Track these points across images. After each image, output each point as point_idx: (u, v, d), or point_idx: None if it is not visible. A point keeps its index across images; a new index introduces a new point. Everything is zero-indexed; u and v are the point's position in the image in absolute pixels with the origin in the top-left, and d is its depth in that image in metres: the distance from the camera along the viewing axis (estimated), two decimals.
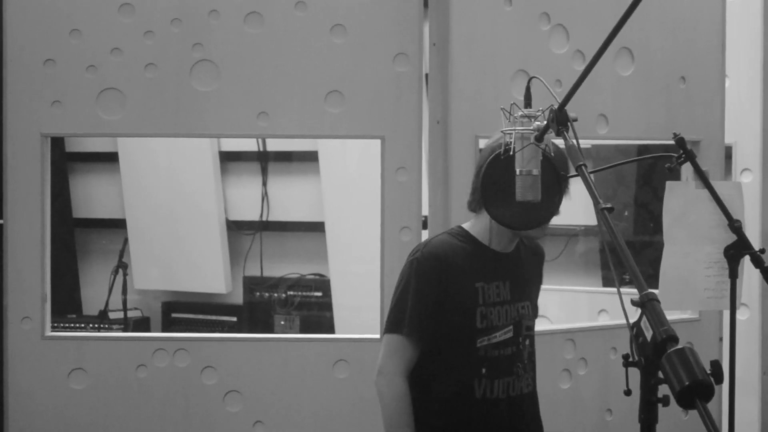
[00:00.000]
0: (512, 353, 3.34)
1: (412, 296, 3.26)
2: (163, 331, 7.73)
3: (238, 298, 7.83)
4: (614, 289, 2.49)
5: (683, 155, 3.94)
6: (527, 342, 3.40)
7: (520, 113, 2.95)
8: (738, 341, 4.13)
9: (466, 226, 3.40)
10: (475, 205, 3.36)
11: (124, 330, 7.42)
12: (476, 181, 3.29)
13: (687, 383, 2.05)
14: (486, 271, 3.32)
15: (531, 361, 3.43)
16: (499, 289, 3.33)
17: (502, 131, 3.01)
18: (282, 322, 7.55)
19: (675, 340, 2.15)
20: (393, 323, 3.30)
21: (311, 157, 7.60)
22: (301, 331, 7.44)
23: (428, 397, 3.32)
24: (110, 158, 8.05)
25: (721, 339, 5.02)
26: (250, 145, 7.87)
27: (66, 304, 7.76)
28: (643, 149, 6.75)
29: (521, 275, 3.42)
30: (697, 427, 2.20)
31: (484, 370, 3.28)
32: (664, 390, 2.20)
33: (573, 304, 6.68)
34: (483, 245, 3.34)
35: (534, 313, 3.50)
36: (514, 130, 2.94)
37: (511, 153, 2.91)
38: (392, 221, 4.46)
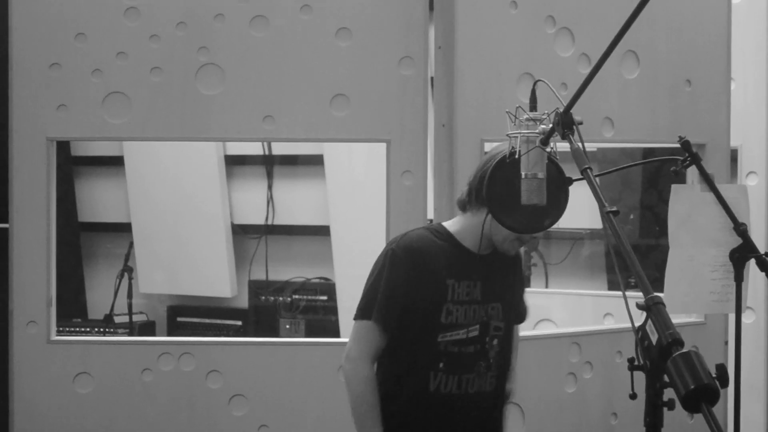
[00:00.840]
0: (475, 351, 3.38)
1: (384, 285, 3.32)
2: (169, 335, 7.74)
3: (244, 302, 7.83)
4: (620, 293, 2.48)
5: (689, 158, 3.93)
6: (494, 342, 3.43)
7: (525, 116, 2.95)
8: (743, 345, 4.12)
9: (446, 224, 3.47)
10: (464, 205, 3.42)
11: (130, 334, 7.42)
12: (473, 182, 3.36)
13: (692, 387, 2.05)
14: (458, 269, 3.37)
15: (498, 360, 3.46)
16: (469, 288, 3.37)
17: (507, 134, 3.01)
18: (287, 326, 7.55)
19: (680, 343, 2.14)
20: (362, 309, 3.36)
21: (317, 161, 7.61)
22: (307, 335, 7.45)
23: (392, 393, 3.39)
24: (116, 162, 8.07)
25: (726, 342, 5.01)
26: (255, 148, 7.87)
27: (71, 308, 7.76)
28: (648, 152, 6.75)
29: (494, 277, 3.45)
30: (702, 431, 2.20)
31: (441, 365, 3.34)
32: (669, 393, 2.20)
33: (578, 308, 6.68)
34: (460, 244, 3.39)
35: (516, 316, 3.55)
36: (520, 133, 2.94)
37: (517, 156, 2.91)
38: (397, 224, 4.45)
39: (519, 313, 3.60)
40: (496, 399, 3.50)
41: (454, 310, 3.34)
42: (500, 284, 3.48)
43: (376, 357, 3.36)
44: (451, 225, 3.45)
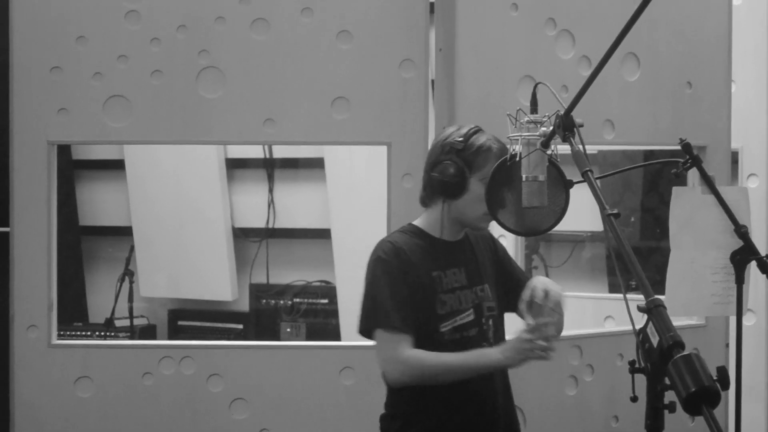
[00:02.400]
0: (477, 334, 3.44)
1: (388, 292, 3.34)
2: (170, 338, 7.73)
3: (245, 306, 7.83)
4: (620, 295, 2.49)
5: (689, 160, 3.93)
6: (490, 322, 3.49)
7: (526, 119, 2.95)
8: (744, 347, 4.12)
9: (415, 222, 3.53)
10: (424, 201, 3.50)
11: (131, 338, 7.42)
12: (426, 177, 3.45)
13: (693, 389, 2.05)
14: (440, 260, 3.43)
15: (497, 339, 3.51)
16: (456, 275, 3.44)
17: (508, 137, 3.02)
18: (288, 330, 7.55)
19: (681, 346, 2.15)
20: (377, 321, 3.37)
21: (317, 164, 7.61)
22: (308, 338, 7.44)
23: (408, 394, 3.41)
24: (117, 165, 8.06)
25: (727, 345, 5.00)
26: (256, 151, 7.87)
27: (72, 312, 7.76)
28: (649, 155, 6.73)
29: (474, 260, 3.52)
30: None
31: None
32: (670, 396, 2.20)
33: (579, 311, 6.66)
34: (433, 237, 3.45)
35: (517, 283, 3.54)
36: (521, 135, 2.95)
37: (518, 159, 2.92)
38: (398, 227, 4.45)
39: (520, 280, 3.58)
40: (504, 374, 3.55)
41: (447, 299, 3.40)
42: (482, 266, 3.54)
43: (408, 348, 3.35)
44: (419, 222, 3.51)
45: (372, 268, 3.41)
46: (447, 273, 3.42)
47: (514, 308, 3.52)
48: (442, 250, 3.44)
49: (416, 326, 3.36)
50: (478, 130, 3.43)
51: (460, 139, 3.39)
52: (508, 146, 3.20)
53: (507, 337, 3.48)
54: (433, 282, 3.39)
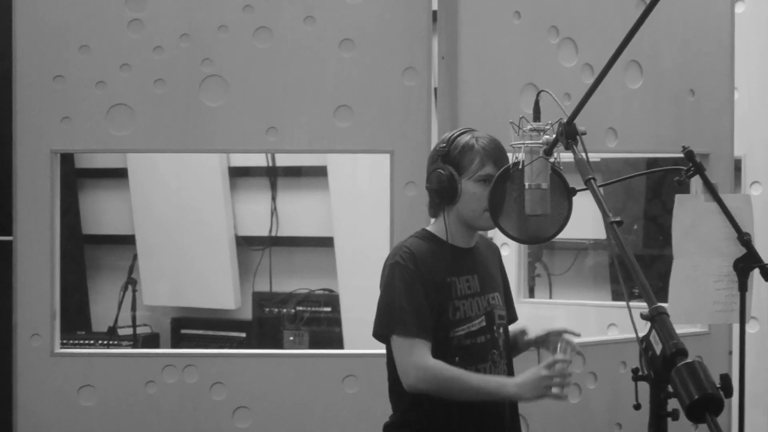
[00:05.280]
0: (486, 341, 3.43)
1: (406, 298, 3.32)
2: (173, 347, 7.73)
3: (248, 314, 7.83)
4: (623, 303, 2.49)
5: (692, 168, 3.93)
6: (501, 330, 3.50)
7: (529, 127, 2.96)
8: (747, 355, 4.12)
9: (429, 228, 3.51)
10: (432, 211, 3.50)
11: (134, 346, 7.42)
12: (428, 185, 3.44)
13: (696, 397, 2.05)
14: (454, 266, 3.41)
15: (506, 348, 3.52)
16: (469, 282, 3.43)
17: (511, 145, 3.02)
18: (291, 338, 7.55)
19: (684, 353, 2.14)
20: (393, 327, 3.35)
21: (320, 172, 7.61)
22: (311, 347, 7.44)
23: (417, 399, 3.37)
24: (119, 174, 8.07)
25: (730, 352, 5.00)
26: (259, 160, 7.88)
27: (75, 321, 7.76)
28: (652, 162, 6.74)
29: (486, 269, 3.53)
30: None
31: (457, 359, 3.35)
32: (673, 404, 2.20)
33: (582, 318, 6.67)
34: (447, 243, 3.43)
35: (507, 309, 3.58)
36: (524, 143, 2.95)
37: (521, 167, 2.92)
38: (401, 235, 4.42)
39: (510, 313, 3.64)
40: None
41: (461, 305, 3.38)
42: (492, 276, 3.55)
43: (428, 354, 3.33)
44: (432, 228, 3.50)
45: (389, 273, 3.39)
46: (461, 279, 3.41)
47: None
48: (456, 256, 3.43)
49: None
50: (463, 132, 3.42)
51: (443, 144, 3.40)
52: (497, 140, 3.28)
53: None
54: (448, 288, 3.38)
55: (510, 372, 3.53)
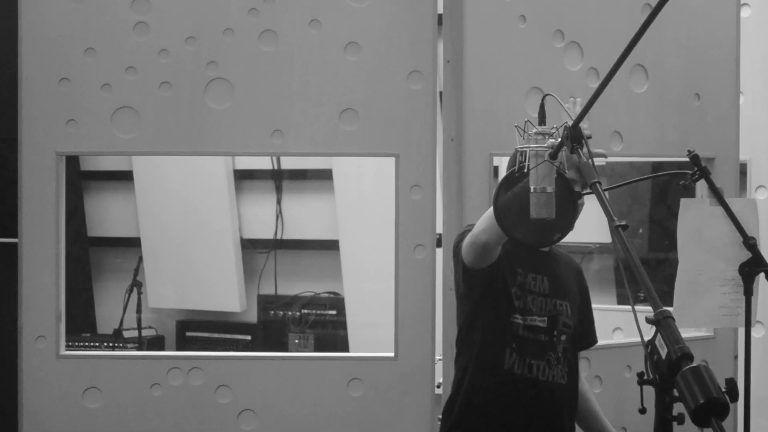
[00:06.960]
0: (545, 341, 3.51)
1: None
2: (178, 349, 7.74)
3: (253, 317, 7.84)
4: (629, 307, 2.49)
5: (698, 172, 3.92)
6: (563, 337, 3.55)
7: (534, 131, 2.95)
8: (753, 359, 4.11)
9: None
10: None
11: (139, 349, 7.43)
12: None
13: (702, 401, 2.04)
14: (525, 260, 3.50)
15: (567, 357, 3.57)
16: (536, 281, 3.51)
17: (516, 148, 3.01)
18: (296, 341, 7.55)
19: (690, 357, 2.14)
20: (462, 237, 3.40)
21: (325, 175, 7.62)
22: (316, 350, 7.44)
23: (470, 376, 3.49)
24: (125, 177, 8.08)
25: (736, 357, 4.99)
26: (264, 163, 7.88)
27: (80, 323, 7.77)
28: (657, 166, 6.74)
29: (559, 274, 3.60)
30: None
31: (514, 345, 3.44)
32: (679, 408, 2.20)
33: None
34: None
35: (583, 335, 3.68)
36: (529, 147, 2.95)
37: (526, 170, 2.92)
38: (406, 239, 4.46)
39: (586, 333, 3.73)
40: (570, 396, 3.61)
41: (523, 296, 3.47)
42: (566, 284, 3.61)
43: None
44: None
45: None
46: (528, 274, 3.49)
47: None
48: (529, 252, 3.51)
49: (492, 304, 3.43)
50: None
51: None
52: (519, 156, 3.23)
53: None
54: (515, 275, 3.46)
55: (571, 382, 3.59)
